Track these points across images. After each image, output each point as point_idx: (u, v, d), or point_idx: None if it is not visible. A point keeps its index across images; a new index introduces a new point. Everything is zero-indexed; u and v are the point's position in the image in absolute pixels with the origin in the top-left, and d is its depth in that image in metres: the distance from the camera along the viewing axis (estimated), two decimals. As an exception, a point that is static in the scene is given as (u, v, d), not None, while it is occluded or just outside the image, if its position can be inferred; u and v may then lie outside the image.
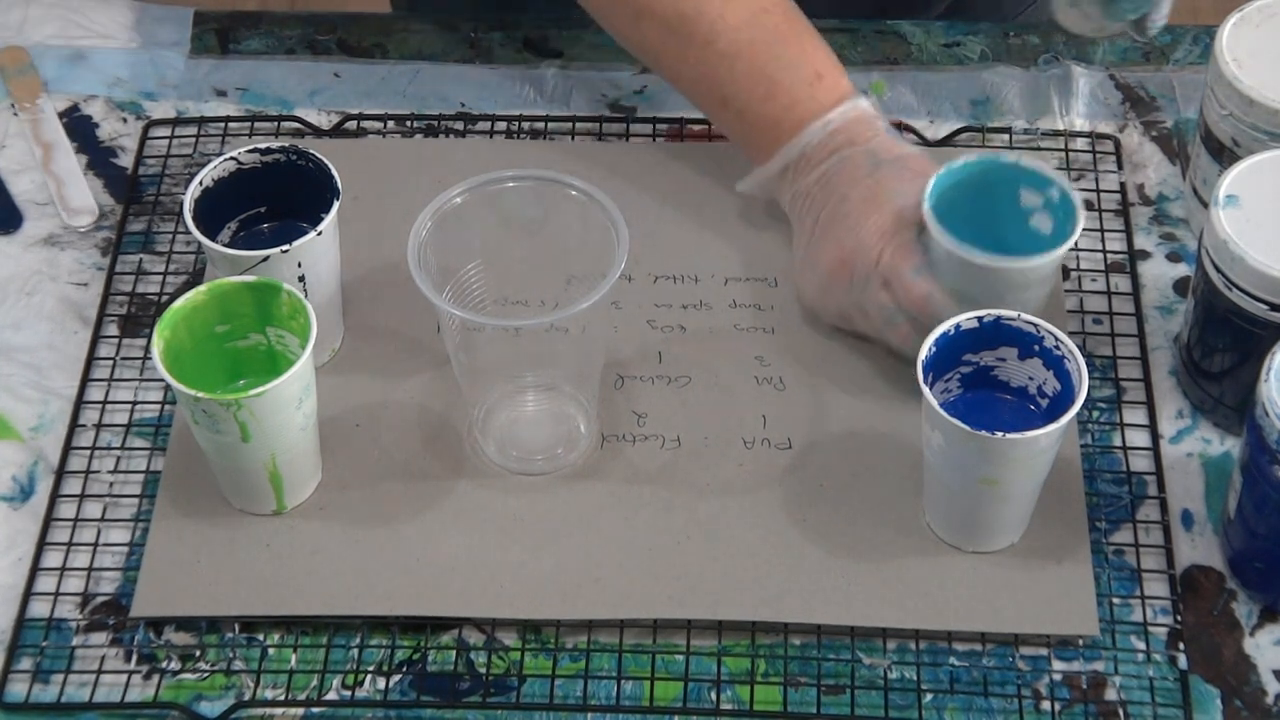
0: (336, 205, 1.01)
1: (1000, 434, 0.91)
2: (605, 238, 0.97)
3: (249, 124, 1.18)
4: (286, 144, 1.03)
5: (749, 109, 1.07)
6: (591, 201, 0.97)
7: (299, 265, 1.00)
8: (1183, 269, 1.11)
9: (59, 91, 1.21)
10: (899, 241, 1.00)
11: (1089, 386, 0.93)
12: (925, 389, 0.93)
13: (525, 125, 1.18)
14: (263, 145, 1.03)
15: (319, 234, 0.99)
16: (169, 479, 1.02)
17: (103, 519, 1.01)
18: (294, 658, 0.96)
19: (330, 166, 1.02)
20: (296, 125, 1.18)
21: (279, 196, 1.04)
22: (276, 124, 1.18)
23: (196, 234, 0.99)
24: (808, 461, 1.02)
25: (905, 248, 1.00)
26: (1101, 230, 1.12)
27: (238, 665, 0.96)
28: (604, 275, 0.94)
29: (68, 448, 1.04)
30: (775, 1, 1.08)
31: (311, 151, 1.03)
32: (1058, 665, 0.95)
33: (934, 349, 0.95)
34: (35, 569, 0.99)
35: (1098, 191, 1.14)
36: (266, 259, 0.98)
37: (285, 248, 0.98)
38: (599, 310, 0.95)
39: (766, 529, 0.99)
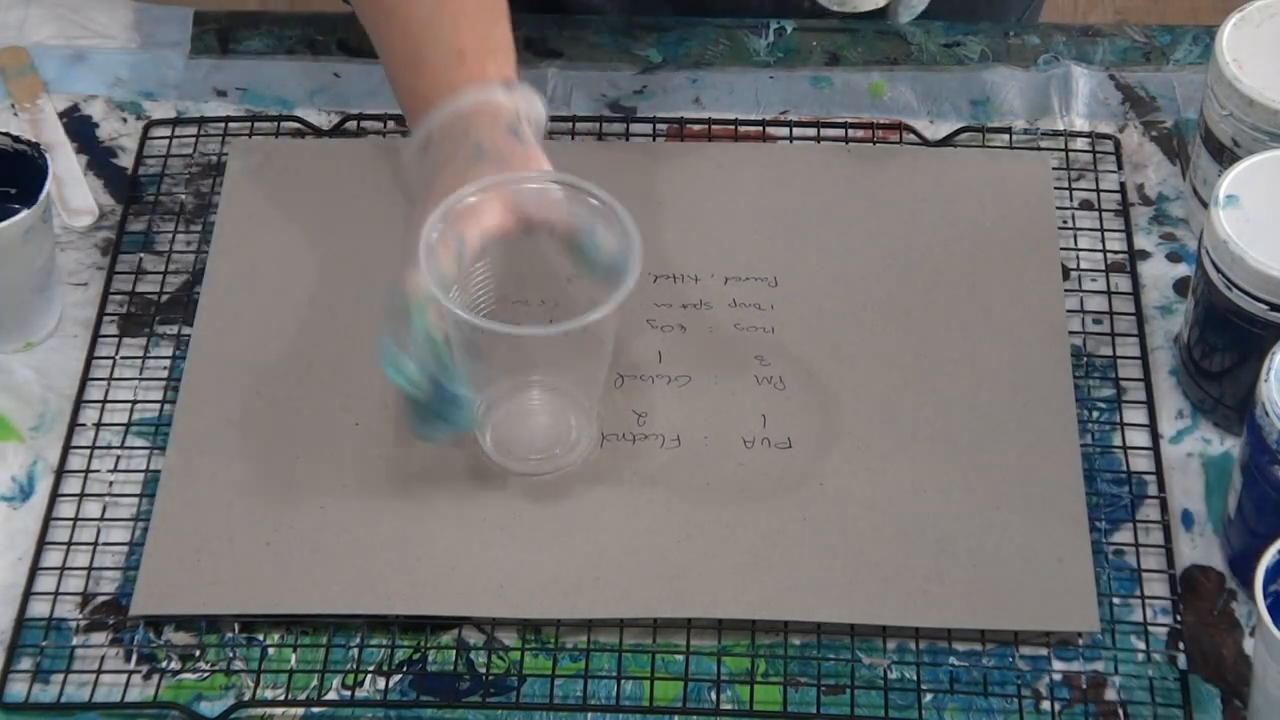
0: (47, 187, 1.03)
1: None
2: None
3: (249, 124, 1.18)
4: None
5: (397, 79, 1.04)
6: (609, 211, 0.96)
7: None
8: (1183, 269, 1.11)
9: (59, 91, 1.21)
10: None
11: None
12: (1262, 610, 0.82)
13: (525, 125, 1.18)
14: None
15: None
16: (169, 479, 1.02)
17: (102, 519, 1.01)
18: (294, 658, 0.96)
19: (42, 149, 1.04)
20: (296, 125, 1.18)
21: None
22: (276, 124, 1.18)
23: None
24: (808, 461, 1.02)
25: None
26: (1101, 230, 1.12)
27: (238, 665, 0.96)
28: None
29: (67, 447, 1.04)
30: None
31: (24, 136, 1.05)
32: (1057, 665, 0.95)
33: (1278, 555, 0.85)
34: (35, 569, 0.99)
35: (1098, 191, 1.14)
36: None
37: None
38: (609, 317, 0.95)
39: (766, 529, 0.99)
